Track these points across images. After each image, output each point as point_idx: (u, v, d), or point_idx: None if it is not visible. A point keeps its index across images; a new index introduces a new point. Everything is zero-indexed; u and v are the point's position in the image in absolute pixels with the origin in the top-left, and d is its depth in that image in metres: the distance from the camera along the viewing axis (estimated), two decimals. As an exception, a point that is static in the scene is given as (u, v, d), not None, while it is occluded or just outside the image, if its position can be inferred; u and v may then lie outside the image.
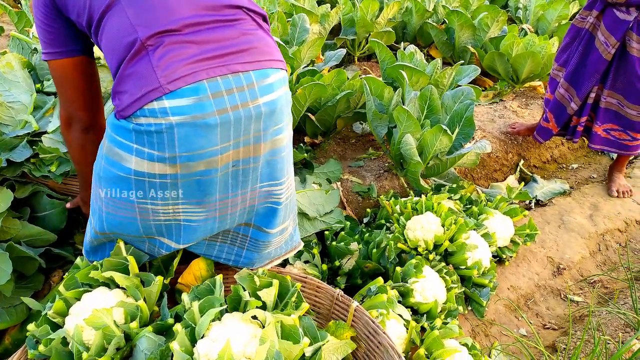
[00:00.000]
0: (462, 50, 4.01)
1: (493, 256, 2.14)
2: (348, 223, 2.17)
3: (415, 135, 2.27)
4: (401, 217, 2.03)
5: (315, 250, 1.93)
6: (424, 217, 1.96)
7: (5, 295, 1.60)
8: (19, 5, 4.60)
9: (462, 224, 1.94)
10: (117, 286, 1.30)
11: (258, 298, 1.28)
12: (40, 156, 1.73)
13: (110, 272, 1.27)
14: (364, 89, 2.51)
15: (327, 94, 2.54)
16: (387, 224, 2.16)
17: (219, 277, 1.32)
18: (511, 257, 2.24)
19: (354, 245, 1.99)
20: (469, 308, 1.97)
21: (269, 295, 1.28)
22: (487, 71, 3.76)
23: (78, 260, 1.39)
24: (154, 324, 1.23)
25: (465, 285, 1.96)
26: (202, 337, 1.16)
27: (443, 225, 1.94)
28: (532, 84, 3.79)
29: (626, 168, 3.02)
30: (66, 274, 1.36)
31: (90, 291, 1.28)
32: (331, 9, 3.95)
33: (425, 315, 1.71)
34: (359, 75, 2.69)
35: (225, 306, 1.24)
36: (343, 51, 3.21)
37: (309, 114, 2.66)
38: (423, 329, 1.66)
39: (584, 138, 2.91)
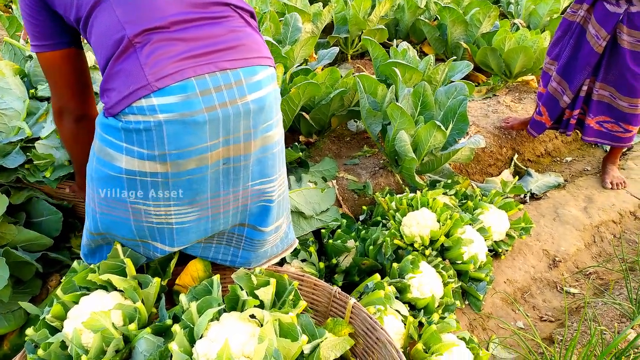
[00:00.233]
0: (455, 46, 4.03)
1: (489, 250, 2.16)
2: (344, 221, 2.18)
3: (410, 132, 2.28)
4: (397, 213, 2.04)
5: (312, 249, 1.94)
6: (419, 213, 1.97)
7: (2, 301, 1.61)
8: (10, 10, 4.59)
9: (458, 219, 1.95)
10: (115, 289, 1.31)
11: (256, 297, 1.29)
12: (34, 162, 1.73)
13: (107, 275, 1.27)
14: (357, 86, 2.51)
15: (321, 93, 2.54)
16: (383, 221, 2.17)
17: (216, 277, 1.33)
18: (507, 250, 2.25)
19: (350, 243, 2.00)
20: (466, 302, 1.98)
21: (266, 294, 1.29)
22: (480, 66, 3.78)
23: (75, 264, 1.39)
24: (153, 325, 1.23)
25: (462, 279, 1.97)
26: (200, 337, 1.16)
27: (439, 221, 1.95)
28: (524, 78, 3.81)
29: (619, 160, 3.04)
30: (63, 278, 1.36)
31: (88, 294, 1.29)
32: (323, 8, 3.95)
33: (422, 310, 1.72)
34: (352, 73, 2.70)
35: (223, 306, 1.25)
36: (336, 49, 3.21)
37: (303, 113, 2.67)
38: (421, 324, 1.67)
39: (577, 131, 2.92)
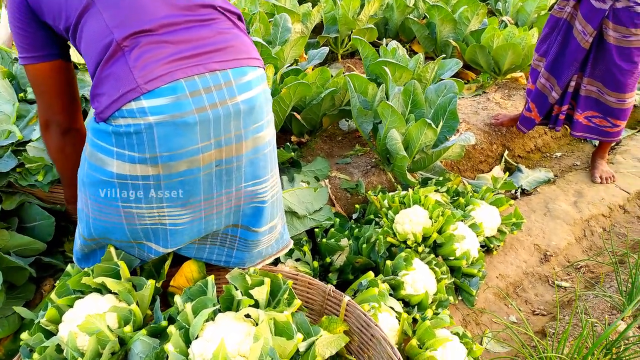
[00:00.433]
0: (444, 44, 4.05)
1: (481, 246, 2.18)
2: (337, 220, 2.19)
3: (401, 130, 2.29)
4: (389, 211, 2.06)
5: (306, 248, 1.95)
6: (412, 211, 1.98)
7: (-4, 306, 1.60)
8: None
9: (450, 215, 1.97)
10: (109, 291, 1.31)
11: (250, 297, 1.29)
12: (26, 166, 1.72)
13: (101, 278, 1.27)
14: (348, 86, 2.53)
15: (312, 93, 2.55)
16: (376, 219, 2.18)
17: (210, 278, 1.33)
18: (499, 246, 2.27)
19: (344, 242, 2.01)
20: (459, 298, 2.00)
21: (261, 293, 1.30)
22: (469, 64, 3.80)
23: (69, 268, 1.39)
24: (148, 327, 1.24)
25: (455, 275, 1.99)
26: (196, 338, 1.17)
27: (431, 218, 1.97)
28: (513, 75, 3.84)
29: (608, 154, 3.08)
30: (57, 281, 1.36)
31: (83, 298, 1.29)
32: (313, 8, 3.96)
33: (416, 306, 1.74)
34: (343, 73, 2.71)
35: (218, 306, 1.26)
36: (326, 49, 3.22)
37: (295, 113, 2.67)
38: (415, 320, 1.68)
39: (566, 126, 2.96)
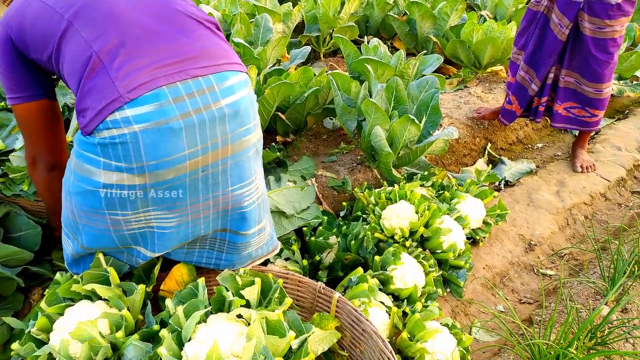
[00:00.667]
0: (425, 40, 4.09)
1: (467, 238, 2.21)
2: (325, 218, 2.20)
3: (385, 127, 2.32)
4: (376, 207, 2.08)
5: (295, 247, 1.96)
6: (398, 206, 2.01)
7: (-16, 318, 1.58)
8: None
9: (436, 209, 2.00)
10: (100, 298, 1.31)
11: (242, 297, 1.30)
12: (10, 175, 1.71)
13: (91, 285, 1.27)
14: (331, 84, 2.54)
15: (296, 92, 2.56)
16: (364, 216, 2.20)
17: (201, 280, 1.34)
18: (484, 237, 2.31)
19: (332, 239, 2.03)
20: (448, 290, 2.04)
21: (252, 293, 1.31)
22: (450, 59, 3.85)
23: (58, 276, 1.39)
24: (140, 331, 1.24)
25: (443, 268, 2.02)
26: (189, 340, 1.18)
27: (417, 212, 1.99)
28: (493, 69, 3.90)
29: (588, 144, 3.14)
30: (47, 290, 1.35)
31: (73, 305, 1.29)
32: (293, 7, 3.97)
33: (406, 300, 1.76)
34: (326, 72, 2.73)
35: (209, 308, 1.26)
36: (308, 48, 3.23)
37: (279, 113, 2.68)
38: (405, 314, 1.71)
39: (546, 118, 3.01)
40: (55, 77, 1.36)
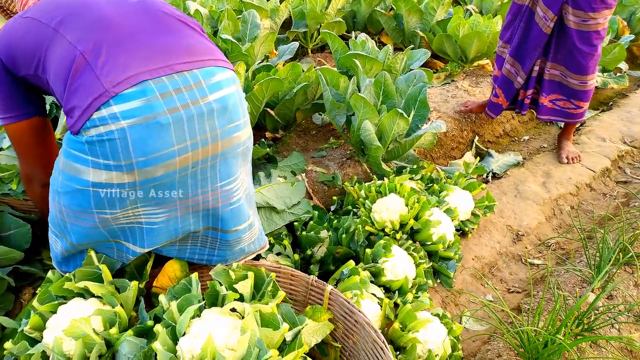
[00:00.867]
0: (412, 35, 4.11)
1: (456, 230, 2.24)
2: (316, 212, 2.22)
3: (374, 121, 2.33)
4: (366, 201, 2.10)
5: (286, 242, 1.97)
6: (388, 199, 2.03)
7: (-25, 318, 1.57)
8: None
9: (425, 202, 2.02)
10: (93, 295, 1.31)
11: (235, 291, 1.31)
12: (-2, 174, 1.70)
13: (84, 282, 1.27)
14: (319, 80, 2.55)
15: (284, 88, 2.57)
16: (354, 209, 2.22)
17: (194, 275, 1.35)
18: (473, 229, 2.34)
19: (323, 233, 2.04)
20: (438, 281, 2.06)
21: (245, 287, 1.32)
22: (437, 54, 3.88)
23: (50, 274, 1.38)
24: (134, 327, 1.25)
25: (433, 259, 2.05)
26: (183, 335, 1.18)
27: (407, 205, 2.01)
28: (480, 62, 3.93)
29: (573, 135, 3.19)
30: (39, 288, 1.35)
31: (66, 303, 1.29)
32: (280, 3, 3.97)
33: (397, 291, 1.78)
34: (314, 67, 2.73)
35: (203, 302, 1.27)
36: (296, 44, 3.24)
37: (268, 109, 2.69)
38: (396, 305, 1.73)
39: (532, 110, 3.05)
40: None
